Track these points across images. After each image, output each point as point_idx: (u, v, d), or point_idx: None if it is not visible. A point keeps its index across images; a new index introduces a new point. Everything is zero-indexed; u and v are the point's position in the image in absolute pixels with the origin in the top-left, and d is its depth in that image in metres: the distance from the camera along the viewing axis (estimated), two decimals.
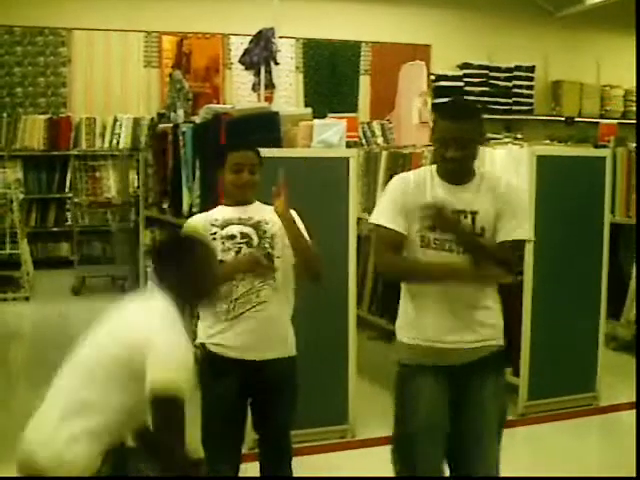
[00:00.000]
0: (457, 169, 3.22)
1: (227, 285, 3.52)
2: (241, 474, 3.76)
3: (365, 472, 4.71)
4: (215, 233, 3.59)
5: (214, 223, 3.62)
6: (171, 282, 2.92)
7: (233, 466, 3.67)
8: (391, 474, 4.38)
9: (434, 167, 3.32)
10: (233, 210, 3.66)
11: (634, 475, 4.31)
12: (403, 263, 3.29)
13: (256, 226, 3.62)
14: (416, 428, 3.27)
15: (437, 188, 3.24)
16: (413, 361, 3.32)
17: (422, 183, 3.27)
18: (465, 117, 3.19)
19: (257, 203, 3.73)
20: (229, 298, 3.55)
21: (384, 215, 3.26)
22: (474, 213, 3.20)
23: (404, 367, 3.38)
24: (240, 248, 3.58)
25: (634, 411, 5.56)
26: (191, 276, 2.96)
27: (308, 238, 3.67)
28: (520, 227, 3.25)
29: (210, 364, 3.63)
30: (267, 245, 3.61)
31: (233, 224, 3.61)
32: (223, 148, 3.87)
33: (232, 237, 3.59)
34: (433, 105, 2.98)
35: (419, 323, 3.30)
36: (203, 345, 3.65)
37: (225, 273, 3.47)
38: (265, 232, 3.62)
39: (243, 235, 3.60)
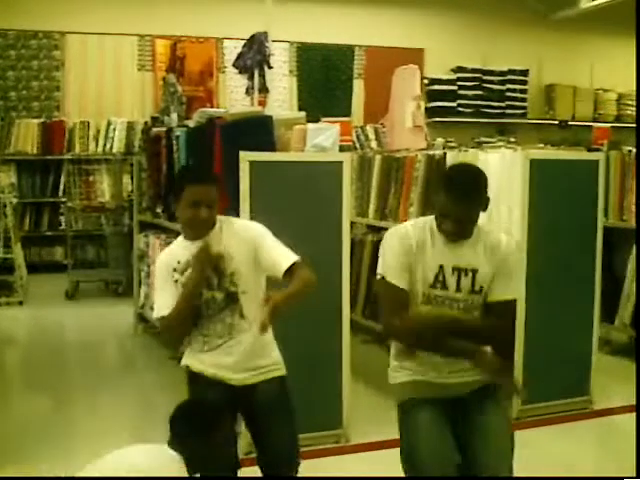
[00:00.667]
0: (457, 236, 3.25)
1: (196, 318, 3.44)
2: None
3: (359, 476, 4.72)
4: (177, 280, 3.44)
5: (175, 268, 3.44)
6: None
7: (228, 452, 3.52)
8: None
9: (433, 221, 3.31)
10: (190, 246, 3.44)
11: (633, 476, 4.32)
12: (410, 336, 3.26)
13: (214, 266, 3.40)
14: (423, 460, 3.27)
15: (438, 243, 3.27)
16: (414, 396, 3.36)
17: (422, 238, 3.29)
18: (470, 195, 3.20)
19: (216, 230, 3.46)
20: (201, 332, 3.47)
21: (390, 271, 3.28)
22: (475, 271, 3.26)
23: (405, 403, 3.39)
24: (202, 292, 3.42)
25: (628, 414, 5.57)
26: None
27: (299, 285, 3.36)
28: (513, 288, 3.38)
29: (196, 386, 3.57)
30: (228, 284, 3.42)
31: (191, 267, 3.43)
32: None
33: None
34: (443, 175, 2.97)
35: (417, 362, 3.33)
36: (187, 367, 3.59)
37: (184, 296, 3.38)
38: (224, 271, 3.40)
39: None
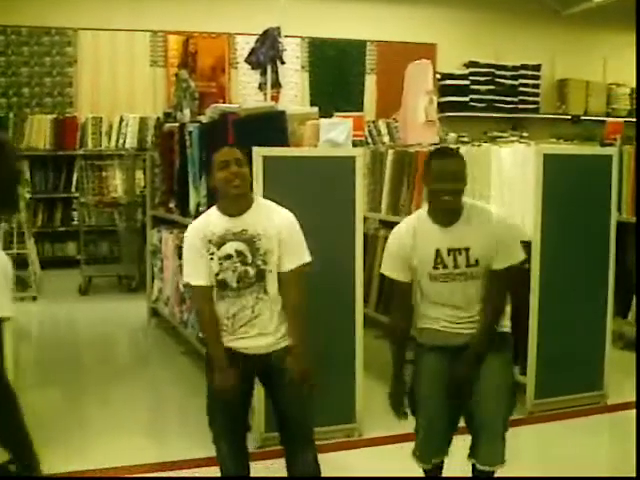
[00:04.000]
0: (452, 210, 3.64)
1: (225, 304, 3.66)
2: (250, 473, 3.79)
3: (372, 471, 4.73)
4: (213, 254, 3.61)
5: (211, 240, 3.62)
6: None
7: (234, 445, 3.77)
8: (398, 473, 4.40)
9: (423, 212, 3.76)
10: (227, 222, 3.63)
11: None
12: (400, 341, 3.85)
13: (249, 242, 3.61)
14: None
15: (431, 231, 3.67)
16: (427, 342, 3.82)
17: (415, 230, 3.71)
18: (455, 155, 3.71)
19: (253, 208, 3.69)
20: (226, 315, 3.67)
21: (389, 268, 3.81)
22: (467, 249, 3.62)
23: (418, 347, 3.86)
24: (236, 267, 3.61)
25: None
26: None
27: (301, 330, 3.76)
28: (513, 253, 3.72)
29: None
30: (260, 262, 3.62)
31: (228, 241, 3.61)
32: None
33: (229, 257, 3.61)
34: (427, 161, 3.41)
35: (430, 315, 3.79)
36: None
37: (210, 346, 3.73)
38: (258, 249, 3.61)
39: (238, 253, 3.61)
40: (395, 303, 3.90)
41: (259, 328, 3.66)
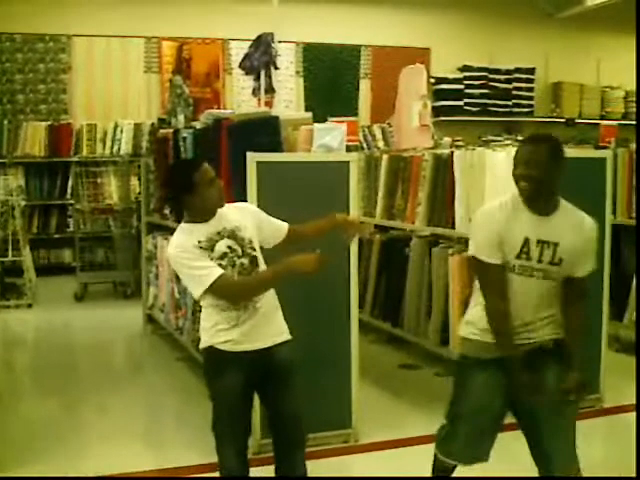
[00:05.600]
0: (532, 198, 3.48)
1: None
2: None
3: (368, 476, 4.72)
4: (208, 256, 3.61)
5: (201, 246, 3.60)
6: None
7: (239, 451, 3.75)
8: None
9: (519, 197, 3.55)
10: (205, 226, 3.67)
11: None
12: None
13: (233, 236, 3.68)
14: (468, 409, 3.61)
15: (524, 217, 3.50)
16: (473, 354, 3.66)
17: (508, 214, 3.51)
18: (539, 142, 3.52)
19: (222, 210, 3.75)
20: (235, 307, 3.66)
21: (485, 251, 3.51)
22: (556, 244, 3.48)
23: (464, 359, 3.73)
24: (234, 261, 3.65)
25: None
26: None
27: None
28: (591, 262, 3.61)
29: (218, 361, 3.72)
30: (249, 250, 3.71)
31: (216, 242, 3.64)
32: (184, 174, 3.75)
33: (224, 255, 3.63)
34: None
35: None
36: (208, 347, 3.74)
37: (271, 279, 3.66)
38: (243, 239, 3.70)
39: (231, 249, 3.66)
40: (489, 289, 3.56)
41: (262, 315, 3.68)
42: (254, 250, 3.73)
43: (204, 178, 3.63)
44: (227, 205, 3.80)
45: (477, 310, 3.65)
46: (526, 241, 3.46)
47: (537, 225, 3.48)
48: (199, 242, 3.60)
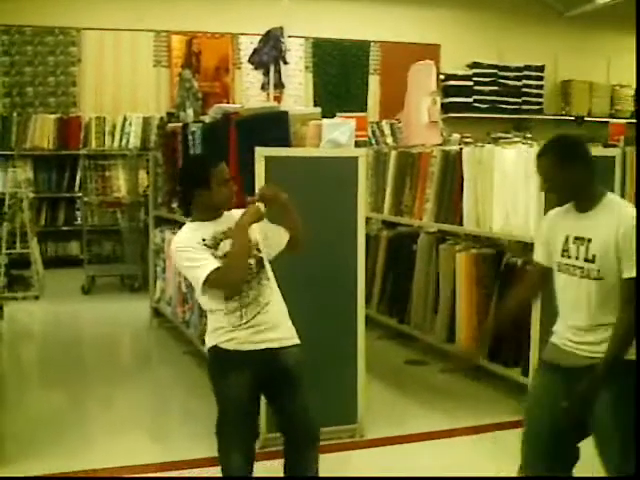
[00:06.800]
0: (555, 199, 3.59)
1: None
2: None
3: (374, 471, 4.72)
4: (212, 254, 3.61)
5: (205, 244, 3.62)
6: None
7: (246, 455, 3.73)
8: (399, 473, 4.40)
9: None
10: (212, 225, 3.70)
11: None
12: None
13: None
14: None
15: (568, 216, 3.56)
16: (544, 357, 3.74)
17: (558, 215, 3.63)
18: (541, 154, 3.53)
19: (225, 212, 3.78)
20: (241, 305, 3.64)
21: (535, 248, 3.74)
22: (589, 240, 3.44)
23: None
24: None
25: None
26: None
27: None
28: (631, 262, 3.37)
29: (223, 361, 3.71)
30: (255, 252, 3.71)
31: (220, 241, 3.65)
32: (198, 167, 3.87)
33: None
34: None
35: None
36: (214, 347, 3.72)
37: (238, 238, 3.60)
38: (250, 240, 3.68)
39: None
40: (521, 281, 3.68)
41: (269, 317, 3.68)
42: (259, 252, 3.74)
43: (219, 176, 3.66)
44: (235, 210, 3.81)
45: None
46: (566, 239, 3.52)
47: (576, 222, 3.52)
48: (203, 240, 3.62)
